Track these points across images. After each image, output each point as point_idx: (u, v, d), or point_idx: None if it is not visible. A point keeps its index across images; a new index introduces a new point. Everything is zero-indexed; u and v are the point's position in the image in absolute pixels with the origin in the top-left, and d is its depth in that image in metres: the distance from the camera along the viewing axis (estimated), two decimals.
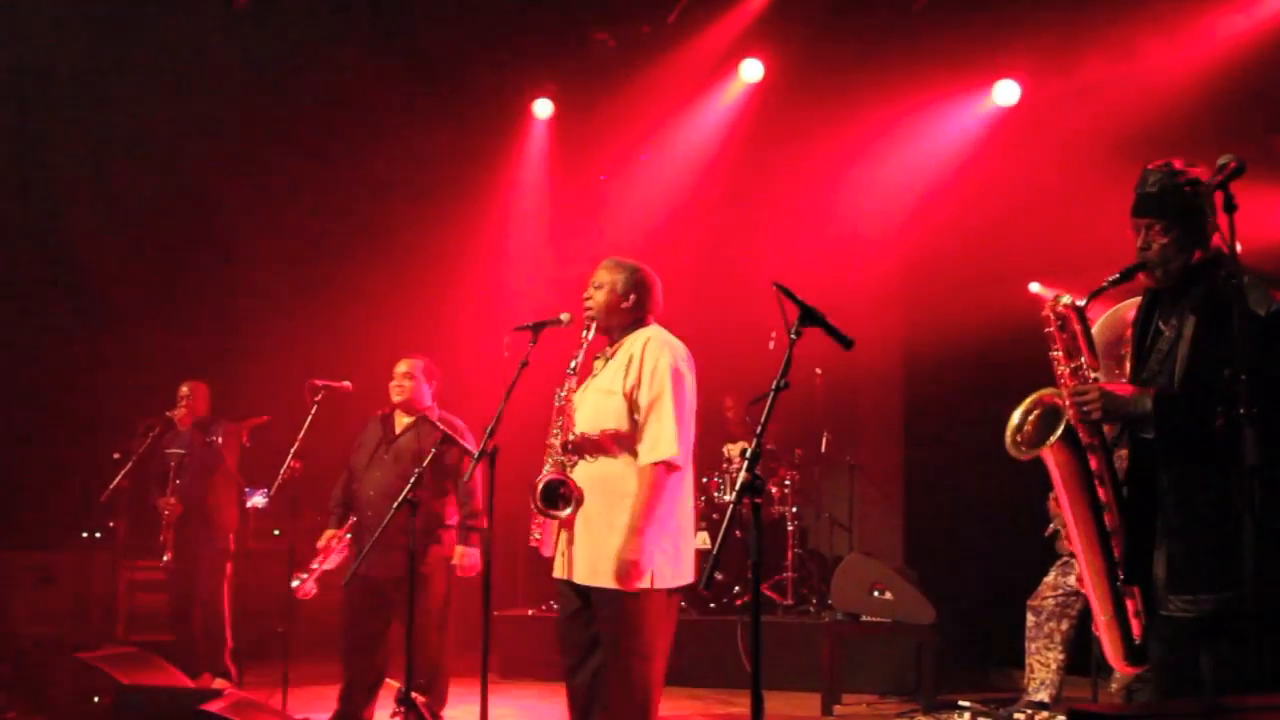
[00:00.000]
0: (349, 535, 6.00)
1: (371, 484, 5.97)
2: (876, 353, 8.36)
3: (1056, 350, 3.37)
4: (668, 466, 4.20)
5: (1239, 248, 3.06)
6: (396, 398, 6.10)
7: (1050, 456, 3.33)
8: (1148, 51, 7.66)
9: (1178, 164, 3.27)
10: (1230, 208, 3.04)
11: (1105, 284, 3.34)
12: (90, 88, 8.72)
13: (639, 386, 4.28)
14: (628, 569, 4.15)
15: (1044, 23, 7.86)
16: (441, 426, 5.86)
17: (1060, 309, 3.36)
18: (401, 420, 6.14)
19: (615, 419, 4.31)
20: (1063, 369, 3.36)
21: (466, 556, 5.91)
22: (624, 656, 4.22)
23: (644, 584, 4.18)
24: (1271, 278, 3.23)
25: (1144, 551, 3.23)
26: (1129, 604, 3.28)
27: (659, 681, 4.28)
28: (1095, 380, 3.31)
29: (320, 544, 6.03)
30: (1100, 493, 3.29)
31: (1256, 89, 7.27)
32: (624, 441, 4.30)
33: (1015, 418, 3.39)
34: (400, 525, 5.39)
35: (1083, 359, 3.33)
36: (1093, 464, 3.31)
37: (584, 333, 4.47)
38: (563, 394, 4.41)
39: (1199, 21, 7.43)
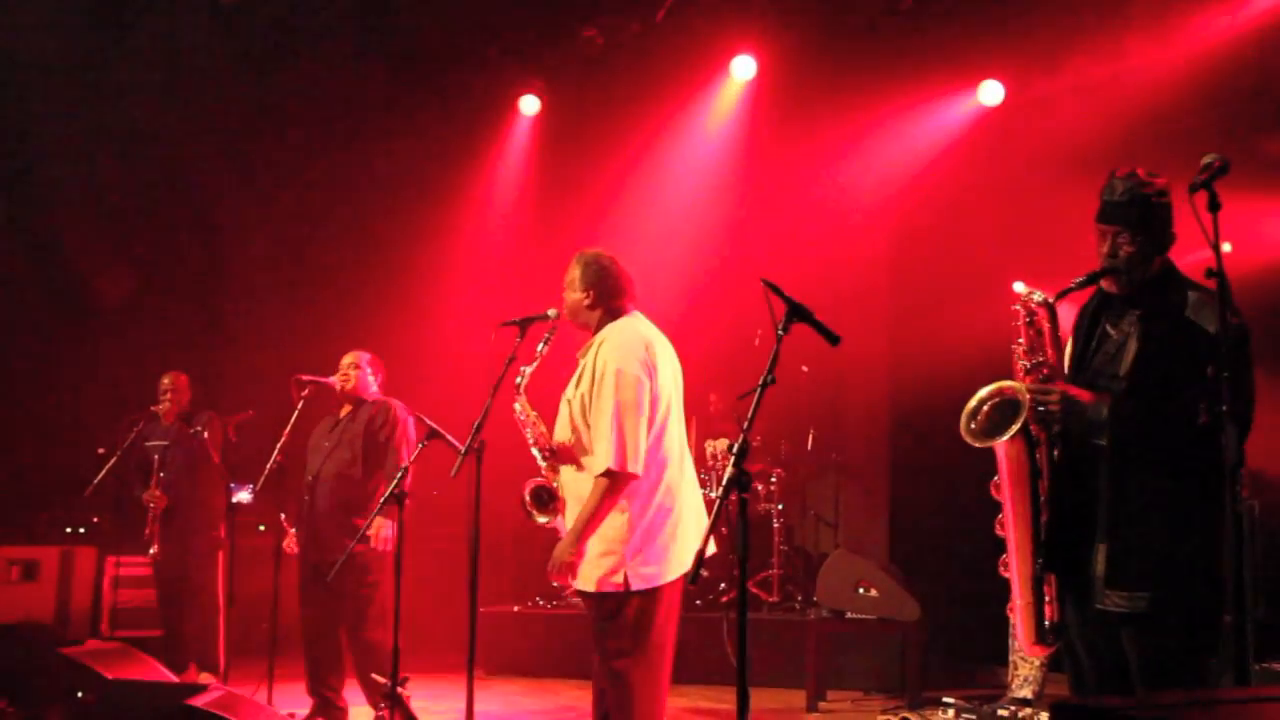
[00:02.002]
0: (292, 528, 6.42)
1: (314, 470, 6.32)
2: (863, 350, 8.36)
3: (1019, 343, 3.43)
4: (609, 475, 4.19)
5: (1228, 247, 3.08)
6: (343, 386, 6.45)
7: (1002, 449, 3.38)
8: (1134, 52, 7.67)
9: (1141, 173, 3.35)
10: (1214, 206, 3.06)
11: (1073, 285, 3.41)
12: (78, 82, 8.70)
13: (589, 395, 4.30)
14: (561, 568, 4.26)
15: (1030, 24, 7.87)
16: (391, 408, 6.33)
17: (1033, 305, 3.40)
18: (346, 409, 6.50)
19: (574, 429, 4.35)
20: (1022, 363, 3.42)
21: (384, 528, 6.01)
22: (607, 655, 4.27)
23: (616, 585, 4.20)
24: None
25: (1066, 543, 3.32)
26: (1046, 590, 3.37)
27: (654, 678, 4.27)
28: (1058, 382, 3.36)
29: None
30: (1040, 486, 3.35)
31: (1243, 90, 7.28)
32: (581, 451, 4.33)
33: (971, 403, 3.42)
34: (334, 510, 6.09)
35: (1043, 357, 3.38)
36: (1037, 456, 3.38)
37: (539, 346, 4.47)
38: (517, 407, 4.44)
39: (1186, 23, 7.43)
